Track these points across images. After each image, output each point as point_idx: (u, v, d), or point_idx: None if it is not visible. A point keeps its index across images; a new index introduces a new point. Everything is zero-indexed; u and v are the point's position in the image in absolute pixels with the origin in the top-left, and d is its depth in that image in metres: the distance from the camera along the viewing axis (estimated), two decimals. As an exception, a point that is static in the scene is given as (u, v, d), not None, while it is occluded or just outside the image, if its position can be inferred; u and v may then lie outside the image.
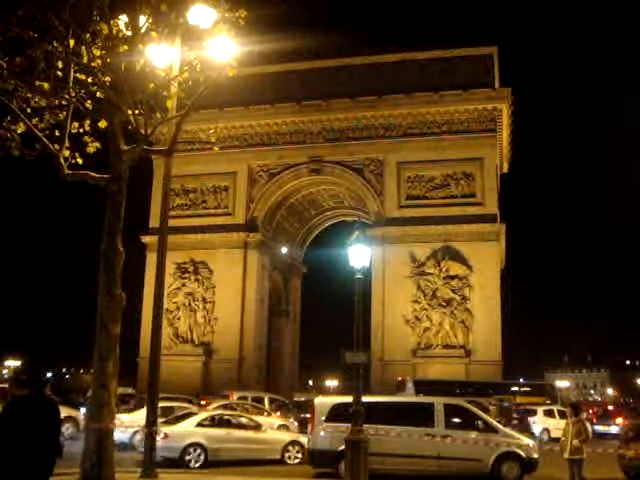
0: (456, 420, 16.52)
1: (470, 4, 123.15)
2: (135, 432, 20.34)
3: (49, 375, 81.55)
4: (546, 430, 30.16)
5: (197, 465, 18.06)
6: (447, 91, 41.09)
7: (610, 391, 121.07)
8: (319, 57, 44.32)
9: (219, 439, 18.64)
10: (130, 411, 22.20)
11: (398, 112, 42.24)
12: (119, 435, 18.54)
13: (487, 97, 41.19)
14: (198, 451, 18.18)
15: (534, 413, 30.39)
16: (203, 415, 19.79)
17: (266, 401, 30.26)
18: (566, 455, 13.69)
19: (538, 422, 29.40)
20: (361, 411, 13.90)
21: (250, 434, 19.40)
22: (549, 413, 31.03)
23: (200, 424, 18.93)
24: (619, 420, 32.36)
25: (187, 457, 18.03)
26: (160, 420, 17.28)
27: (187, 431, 18.45)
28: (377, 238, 39.16)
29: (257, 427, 19.84)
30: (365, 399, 15.13)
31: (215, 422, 19.47)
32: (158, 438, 15.43)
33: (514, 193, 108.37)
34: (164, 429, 17.59)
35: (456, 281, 39.74)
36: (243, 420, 20.41)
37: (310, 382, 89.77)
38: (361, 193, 43.57)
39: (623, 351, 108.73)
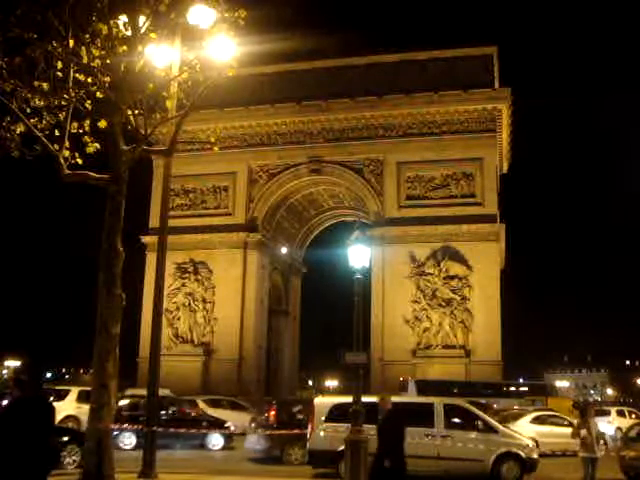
0: (456, 420, 16.53)
1: (470, 4, 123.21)
2: None
3: (49, 375, 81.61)
4: (619, 429, 32.03)
5: None
6: (447, 91, 41.07)
7: (610, 391, 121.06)
8: (319, 57, 44.29)
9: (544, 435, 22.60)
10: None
11: (398, 112, 42.23)
12: None
13: (487, 97, 41.19)
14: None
15: (607, 413, 31.75)
16: (536, 414, 24.49)
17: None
18: (599, 454, 13.82)
19: (613, 421, 30.55)
20: (361, 411, 13.89)
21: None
22: (621, 413, 32.34)
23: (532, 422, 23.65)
24: None
25: None
26: None
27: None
28: (377, 238, 39.15)
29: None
30: (365, 399, 15.13)
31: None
32: None
33: (514, 193, 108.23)
34: None
35: (456, 281, 39.72)
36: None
37: (310, 382, 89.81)
38: (361, 193, 43.56)
39: (623, 351, 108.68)
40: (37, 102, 12.45)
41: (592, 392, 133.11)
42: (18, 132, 12.38)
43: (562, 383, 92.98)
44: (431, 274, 40.04)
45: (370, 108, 42.43)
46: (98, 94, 12.62)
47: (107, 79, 12.44)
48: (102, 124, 12.68)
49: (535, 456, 16.21)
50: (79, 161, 12.97)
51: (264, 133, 44.59)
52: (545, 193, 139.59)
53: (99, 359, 12.19)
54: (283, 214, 47.71)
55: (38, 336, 73.71)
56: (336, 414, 16.21)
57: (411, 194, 41.62)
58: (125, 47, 12.33)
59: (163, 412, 23.81)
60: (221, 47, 12.74)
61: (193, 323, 43.05)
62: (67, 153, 12.77)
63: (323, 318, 68.98)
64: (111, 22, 12.06)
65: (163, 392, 30.36)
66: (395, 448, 11.44)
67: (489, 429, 16.34)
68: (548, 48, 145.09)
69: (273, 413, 21.79)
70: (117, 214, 12.75)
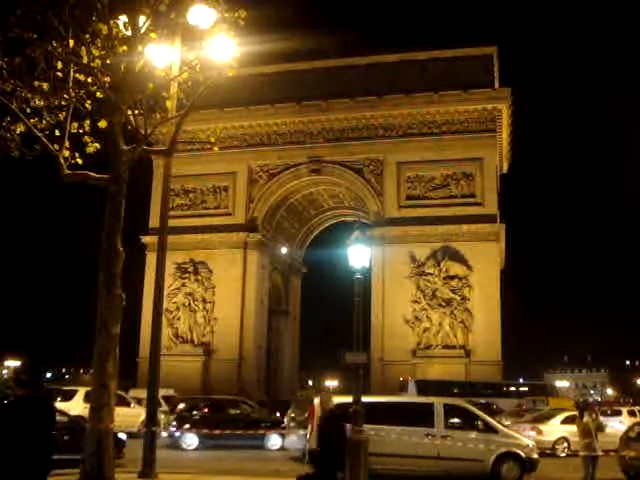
0: (456, 420, 16.52)
1: (470, 4, 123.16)
2: None
3: (49, 375, 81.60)
4: None
5: (563, 454, 23.00)
6: (447, 91, 41.12)
7: (610, 391, 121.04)
8: (319, 57, 44.31)
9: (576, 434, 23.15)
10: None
11: (398, 112, 42.25)
12: None
13: (487, 97, 41.21)
14: (565, 444, 23.39)
15: (619, 413, 31.58)
16: (566, 414, 24.58)
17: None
18: (600, 452, 13.94)
19: (624, 421, 30.45)
20: (361, 411, 13.88)
21: None
22: (632, 413, 32.37)
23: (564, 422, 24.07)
24: None
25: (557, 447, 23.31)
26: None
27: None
28: (377, 238, 39.17)
29: None
30: (365, 399, 15.11)
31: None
32: (533, 433, 21.64)
33: (514, 193, 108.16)
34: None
35: (456, 281, 39.75)
36: None
37: (310, 382, 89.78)
38: (361, 193, 43.58)
39: (623, 351, 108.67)
40: (37, 102, 12.44)
41: (592, 392, 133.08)
42: (18, 132, 12.38)
43: (562, 383, 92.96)
44: (431, 274, 40.07)
45: (370, 108, 42.45)
46: (98, 94, 12.61)
47: (107, 79, 12.44)
48: (102, 124, 12.67)
49: (535, 456, 16.20)
50: (79, 161, 12.96)
51: (264, 133, 44.60)
52: (545, 193, 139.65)
53: (99, 359, 12.18)
54: (283, 214, 47.72)
55: (38, 336, 73.78)
56: (336, 414, 16.16)
57: (411, 194, 41.64)
58: (125, 47, 12.32)
59: (195, 412, 24.89)
60: (221, 47, 12.73)
61: (193, 323, 43.07)
62: (67, 153, 12.77)
63: (323, 318, 68.97)
64: (111, 22, 12.04)
65: (167, 392, 30.73)
66: (334, 458, 10.49)
67: (489, 429, 16.33)
68: (548, 48, 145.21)
69: None
70: (117, 214, 12.74)
